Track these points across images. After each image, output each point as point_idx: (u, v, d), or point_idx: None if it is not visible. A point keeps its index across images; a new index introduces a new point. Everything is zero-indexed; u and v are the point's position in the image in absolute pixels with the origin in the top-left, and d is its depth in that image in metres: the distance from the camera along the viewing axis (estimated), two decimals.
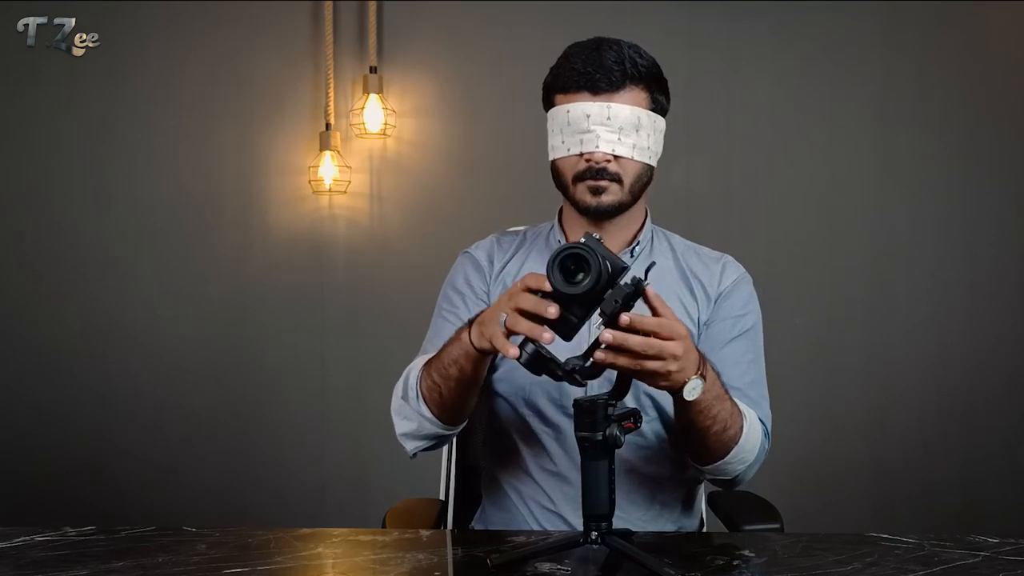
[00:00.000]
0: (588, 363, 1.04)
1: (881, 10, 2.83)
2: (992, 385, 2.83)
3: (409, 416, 1.30)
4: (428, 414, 1.27)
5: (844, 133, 2.85)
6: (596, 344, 1.04)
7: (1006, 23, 2.84)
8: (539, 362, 1.03)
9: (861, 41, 2.85)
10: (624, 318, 1.02)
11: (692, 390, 1.09)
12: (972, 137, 2.84)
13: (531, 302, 1.04)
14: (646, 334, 1.04)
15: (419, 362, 1.31)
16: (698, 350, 1.13)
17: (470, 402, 1.29)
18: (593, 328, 1.13)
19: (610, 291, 1.02)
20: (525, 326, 1.03)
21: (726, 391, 1.20)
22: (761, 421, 1.30)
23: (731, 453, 1.23)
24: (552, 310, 1.02)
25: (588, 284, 1.00)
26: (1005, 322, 2.83)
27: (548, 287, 1.02)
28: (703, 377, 1.11)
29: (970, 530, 1.28)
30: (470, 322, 1.18)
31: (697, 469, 1.31)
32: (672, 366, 1.05)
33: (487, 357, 1.19)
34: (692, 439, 1.23)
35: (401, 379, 1.32)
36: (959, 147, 2.84)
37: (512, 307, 1.05)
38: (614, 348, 1.03)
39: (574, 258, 1.01)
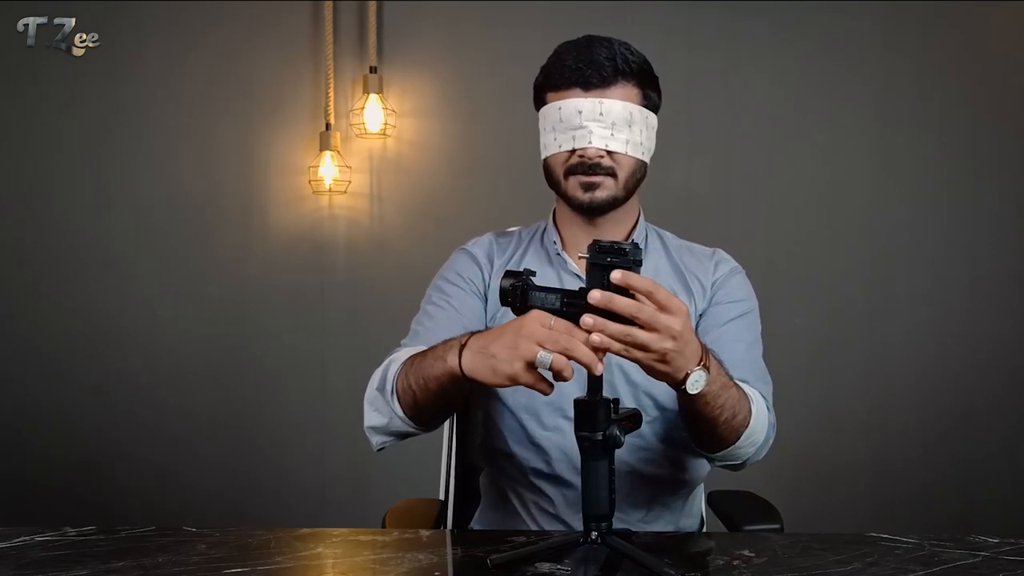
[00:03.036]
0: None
1: (881, 10, 2.83)
2: (992, 385, 2.83)
3: (381, 410, 1.24)
4: (400, 413, 1.22)
5: (844, 133, 2.85)
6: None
7: (1006, 23, 2.84)
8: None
9: (861, 41, 2.85)
10: (615, 274, 0.95)
11: (695, 383, 1.04)
12: (972, 137, 2.84)
13: (586, 352, 0.97)
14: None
15: (402, 355, 1.25)
16: (700, 341, 1.07)
17: (447, 411, 1.25)
18: None
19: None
20: (570, 373, 0.97)
21: (731, 378, 1.16)
22: (764, 397, 1.27)
23: (741, 438, 1.19)
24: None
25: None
26: (1005, 322, 2.83)
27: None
28: (706, 368, 1.05)
29: (970, 530, 1.28)
30: (461, 346, 1.09)
31: (707, 457, 1.28)
32: (668, 343, 0.98)
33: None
34: (700, 429, 1.19)
35: (380, 369, 1.26)
36: (959, 147, 2.84)
37: (565, 347, 0.96)
38: (603, 316, 0.96)
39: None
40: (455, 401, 1.22)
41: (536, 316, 1.00)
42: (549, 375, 0.99)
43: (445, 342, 1.14)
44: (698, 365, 1.04)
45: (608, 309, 0.96)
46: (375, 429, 1.26)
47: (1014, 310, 2.83)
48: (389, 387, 1.22)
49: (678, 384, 1.05)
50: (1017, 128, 2.83)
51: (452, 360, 1.09)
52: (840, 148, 2.85)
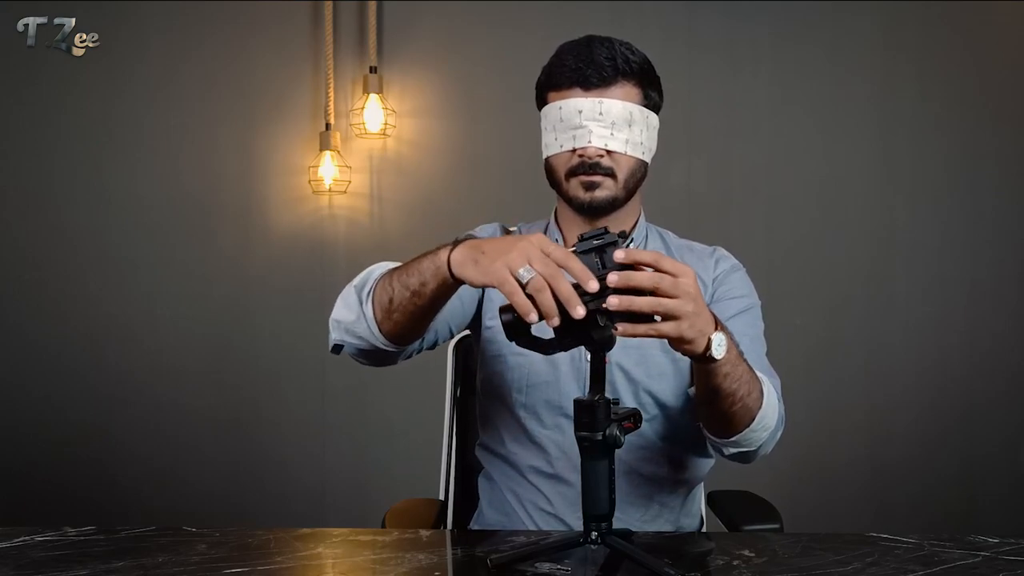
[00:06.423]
0: (598, 305, 0.96)
1: (881, 10, 2.83)
2: (992, 385, 2.83)
3: (351, 306, 1.23)
4: (370, 314, 1.20)
5: (844, 133, 2.85)
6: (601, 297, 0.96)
7: (1006, 23, 2.84)
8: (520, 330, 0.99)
9: (861, 41, 2.85)
10: (619, 253, 0.96)
11: (719, 346, 1.03)
12: (972, 137, 2.84)
13: (567, 286, 0.95)
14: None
15: (389, 264, 1.24)
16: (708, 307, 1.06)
17: (416, 324, 1.20)
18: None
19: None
20: (548, 304, 0.95)
21: (741, 352, 1.15)
22: (773, 387, 1.26)
23: (756, 419, 1.17)
24: (593, 286, 0.95)
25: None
26: (1005, 321, 2.83)
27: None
28: (723, 331, 1.05)
29: (970, 530, 1.28)
30: (456, 241, 1.09)
31: (720, 446, 1.24)
32: (689, 306, 0.98)
33: (456, 287, 1.11)
34: (719, 409, 1.16)
35: (364, 272, 1.26)
36: (959, 147, 2.84)
37: (549, 274, 0.96)
38: (623, 293, 0.96)
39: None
40: (427, 312, 1.18)
41: (539, 239, 1.00)
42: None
43: (439, 245, 1.13)
44: (715, 329, 1.04)
45: (628, 285, 0.96)
46: (338, 322, 1.25)
47: (1014, 309, 2.83)
48: (367, 289, 1.22)
49: (702, 353, 1.04)
50: (1017, 128, 2.83)
51: (443, 255, 1.09)
52: (840, 148, 2.85)
